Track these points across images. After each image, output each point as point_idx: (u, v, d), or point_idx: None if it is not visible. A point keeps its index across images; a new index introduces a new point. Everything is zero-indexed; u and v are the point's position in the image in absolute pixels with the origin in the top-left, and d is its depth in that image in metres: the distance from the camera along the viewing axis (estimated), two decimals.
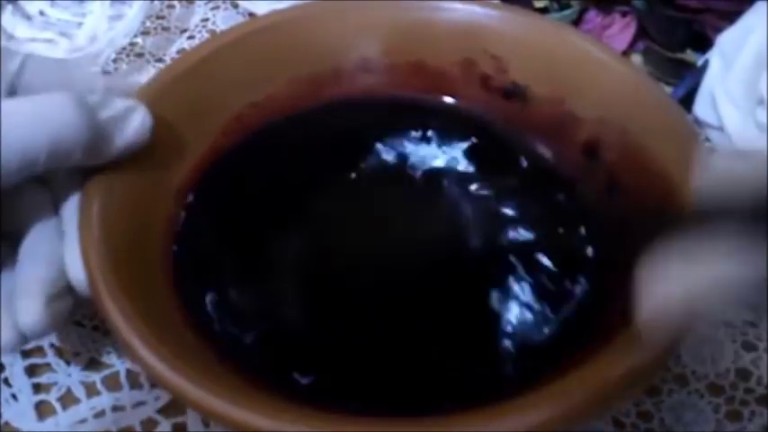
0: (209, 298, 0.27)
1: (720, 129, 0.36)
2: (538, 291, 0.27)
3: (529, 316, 0.27)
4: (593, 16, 0.43)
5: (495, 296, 0.27)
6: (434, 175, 0.32)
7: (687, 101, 0.38)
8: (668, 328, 0.18)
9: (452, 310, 0.27)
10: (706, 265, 0.17)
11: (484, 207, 0.30)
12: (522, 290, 0.28)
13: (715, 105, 0.37)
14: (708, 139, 0.37)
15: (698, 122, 0.38)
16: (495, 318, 0.27)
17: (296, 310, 0.27)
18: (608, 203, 0.29)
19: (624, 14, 0.42)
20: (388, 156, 0.32)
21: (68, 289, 0.26)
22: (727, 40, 0.37)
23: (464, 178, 0.32)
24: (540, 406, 0.21)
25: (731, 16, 0.38)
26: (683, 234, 0.18)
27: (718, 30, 0.38)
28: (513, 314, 0.27)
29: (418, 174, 0.32)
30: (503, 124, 0.33)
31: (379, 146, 0.32)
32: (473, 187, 0.31)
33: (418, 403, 0.24)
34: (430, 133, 0.33)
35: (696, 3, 0.40)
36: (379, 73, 0.34)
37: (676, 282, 0.17)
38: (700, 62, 0.39)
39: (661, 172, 0.27)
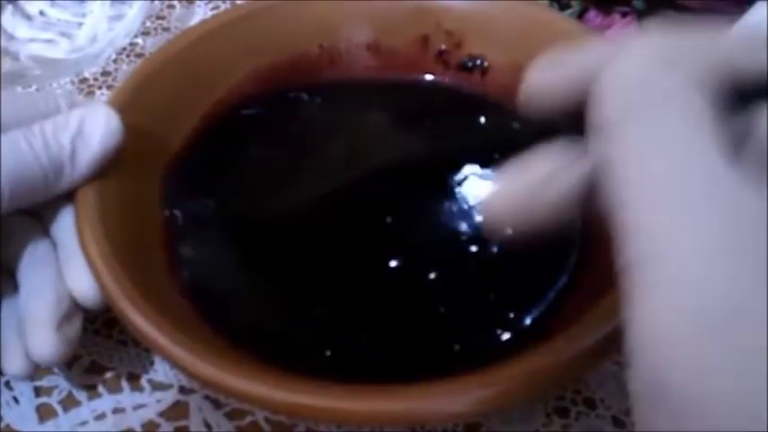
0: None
1: None
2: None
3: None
4: (593, 16, 0.43)
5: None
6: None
7: None
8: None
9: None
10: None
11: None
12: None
13: None
14: None
15: None
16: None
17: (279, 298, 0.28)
18: None
19: (624, 15, 0.42)
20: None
21: (76, 307, 0.26)
22: None
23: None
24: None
25: (731, 17, 0.38)
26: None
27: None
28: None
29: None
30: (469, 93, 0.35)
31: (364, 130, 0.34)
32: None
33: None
34: (402, 113, 0.34)
35: (696, 3, 0.40)
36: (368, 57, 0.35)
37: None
38: None
39: None
